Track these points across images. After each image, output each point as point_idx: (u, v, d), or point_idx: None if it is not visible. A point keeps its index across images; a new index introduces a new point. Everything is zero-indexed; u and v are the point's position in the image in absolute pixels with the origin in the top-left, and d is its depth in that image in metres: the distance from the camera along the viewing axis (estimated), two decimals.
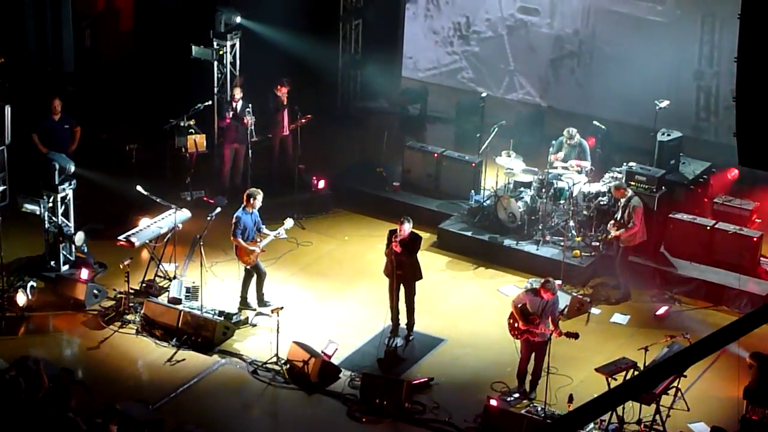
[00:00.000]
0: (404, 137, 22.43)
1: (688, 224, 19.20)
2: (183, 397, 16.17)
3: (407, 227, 16.95)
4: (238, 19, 21.66)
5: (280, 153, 21.30)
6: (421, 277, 17.27)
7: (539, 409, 15.80)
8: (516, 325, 15.95)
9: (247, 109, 20.44)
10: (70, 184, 18.38)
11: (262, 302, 17.95)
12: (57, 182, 18.15)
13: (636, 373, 15.46)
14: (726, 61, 21.10)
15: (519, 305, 15.90)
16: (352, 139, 23.09)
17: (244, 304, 17.95)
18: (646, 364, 15.53)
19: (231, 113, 20.62)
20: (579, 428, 13.62)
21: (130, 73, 23.01)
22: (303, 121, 20.95)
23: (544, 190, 19.47)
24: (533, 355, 16.11)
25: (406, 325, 17.39)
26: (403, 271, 17.03)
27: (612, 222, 18.41)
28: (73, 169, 18.45)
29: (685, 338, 15.85)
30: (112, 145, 21.22)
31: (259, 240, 17.73)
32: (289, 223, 18.13)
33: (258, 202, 17.65)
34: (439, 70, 25.20)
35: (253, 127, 20.54)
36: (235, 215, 17.64)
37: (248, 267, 17.77)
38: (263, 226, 17.85)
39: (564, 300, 17.63)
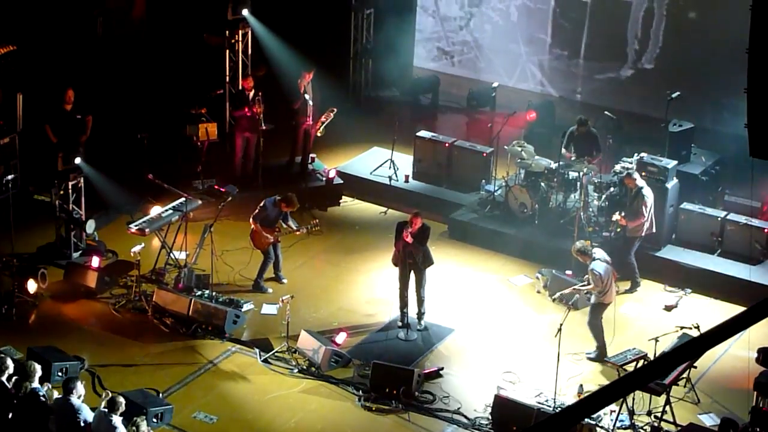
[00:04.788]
0: (415, 126, 22.41)
1: (699, 214, 19.19)
2: (193, 385, 16.23)
3: (419, 220, 17.01)
4: (245, 12, 21.58)
5: (299, 142, 21.19)
6: (432, 263, 17.31)
7: (549, 399, 15.81)
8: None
9: (257, 98, 20.37)
10: (79, 174, 18.45)
11: (258, 287, 18.20)
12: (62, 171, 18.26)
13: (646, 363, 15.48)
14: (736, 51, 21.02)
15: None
16: (363, 129, 23.06)
17: (256, 287, 18.15)
18: (656, 355, 15.53)
19: (245, 103, 20.55)
20: (587, 416, 13.68)
21: (141, 61, 23.00)
22: (331, 114, 20.90)
23: (555, 180, 19.46)
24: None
25: (416, 315, 17.41)
26: (414, 260, 17.08)
27: (619, 211, 18.39)
28: (78, 160, 18.48)
29: (695, 329, 15.85)
30: (123, 134, 21.22)
31: (278, 230, 17.88)
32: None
33: (289, 209, 17.87)
34: (451, 59, 25.18)
35: (261, 116, 20.46)
36: (265, 201, 17.89)
37: (261, 250, 18.03)
38: (290, 220, 18.07)
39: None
